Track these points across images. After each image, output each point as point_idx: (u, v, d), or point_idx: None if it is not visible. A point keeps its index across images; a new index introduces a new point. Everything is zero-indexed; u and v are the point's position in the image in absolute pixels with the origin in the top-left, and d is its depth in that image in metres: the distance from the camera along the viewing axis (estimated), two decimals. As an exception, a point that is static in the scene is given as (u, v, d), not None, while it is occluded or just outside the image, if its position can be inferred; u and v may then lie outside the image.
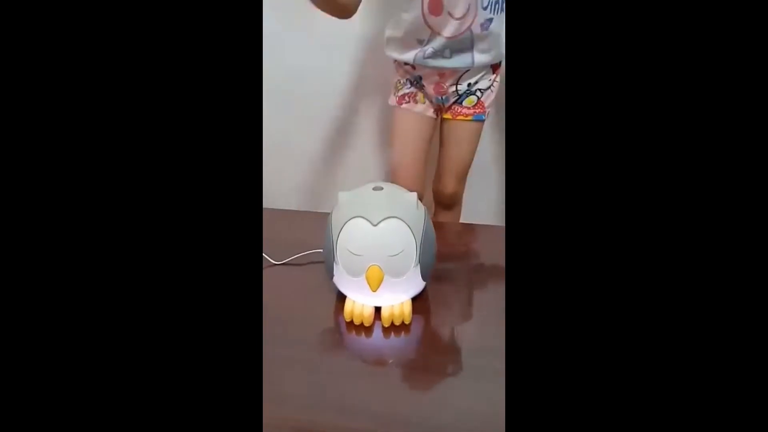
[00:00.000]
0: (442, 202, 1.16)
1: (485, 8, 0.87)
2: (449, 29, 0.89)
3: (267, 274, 0.74)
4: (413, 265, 0.60)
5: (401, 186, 1.09)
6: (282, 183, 1.53)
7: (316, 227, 0.68)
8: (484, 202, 1.42)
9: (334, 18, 0.87)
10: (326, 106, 1.41)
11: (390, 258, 0.58)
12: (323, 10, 0.84)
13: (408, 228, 0.59)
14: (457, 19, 0.87)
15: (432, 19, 0.89)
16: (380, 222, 0.58)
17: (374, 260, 0.58)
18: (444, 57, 0.92)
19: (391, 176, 1.13)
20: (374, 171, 1.49)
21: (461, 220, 1.22)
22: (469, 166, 1.11)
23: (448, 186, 1.11)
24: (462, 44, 0.90)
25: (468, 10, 0.87)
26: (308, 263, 0.75)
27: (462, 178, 1.12)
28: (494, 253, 0.83)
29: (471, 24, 0.88)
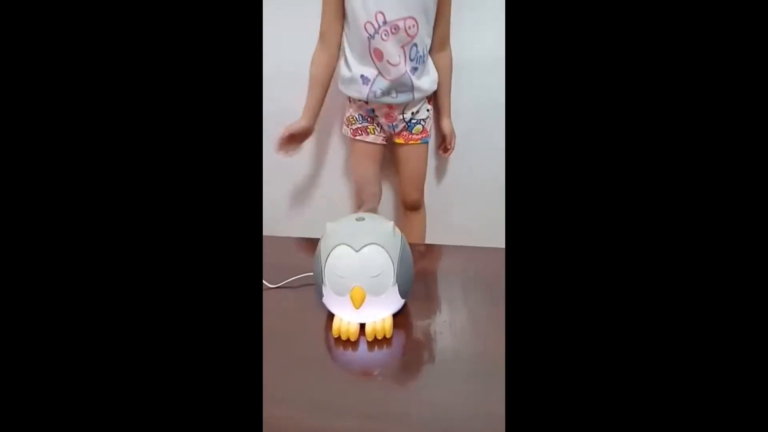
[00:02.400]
0: (409, 207, 1.44)
1: (412, 60, 1.17)
2: (391, 73, 1.17)
3: (264, 297, 0.82)
4: (391, 284, 0.69)
5: (366, 197, 1.38)
6: (275, 211, 1.63)
7: (307, 253, 0.77)
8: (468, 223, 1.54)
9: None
10: (312, 144, 1.54)
11: (371, 279, 0.67)
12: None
13: (386, 252, 0.68)
14: (394, 65, 1.15)
15: (377, 63, 1.16)
16: (362, 248, 0.67)
17: (357, 281, 0.67)
18: (391, 96, 1.21)
19: (356, 192, 1.42)
20: (354, 199, 1.61)
21: (427, 222, 1.48)
22: (424, 177, 1.40)
23: (411, 195, 1.40)
24: (404, 86, 1.19)
25: (401, 59, 1.15)
26: (300, 286, 0.84)
27: (421, 187, 1.41)
28: (469, 270, 0.92)
29: (406, 70, 1.17)
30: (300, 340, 0.72)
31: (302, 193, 1.66)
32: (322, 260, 0.69)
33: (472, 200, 1.55)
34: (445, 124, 1.35)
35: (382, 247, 0.68)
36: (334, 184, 1.63)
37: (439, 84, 1.27)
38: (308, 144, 1.54)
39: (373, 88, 1.19)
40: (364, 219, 0.72)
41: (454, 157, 1.48)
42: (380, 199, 1.44)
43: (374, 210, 1.41)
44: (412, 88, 1.21)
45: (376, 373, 0.68)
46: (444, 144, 1.40)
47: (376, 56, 1.16)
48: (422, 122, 1.30)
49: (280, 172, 1.58)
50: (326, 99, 1.45)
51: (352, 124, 1.32)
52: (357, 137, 1.32)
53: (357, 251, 0.67)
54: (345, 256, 0.67)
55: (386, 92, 1.20)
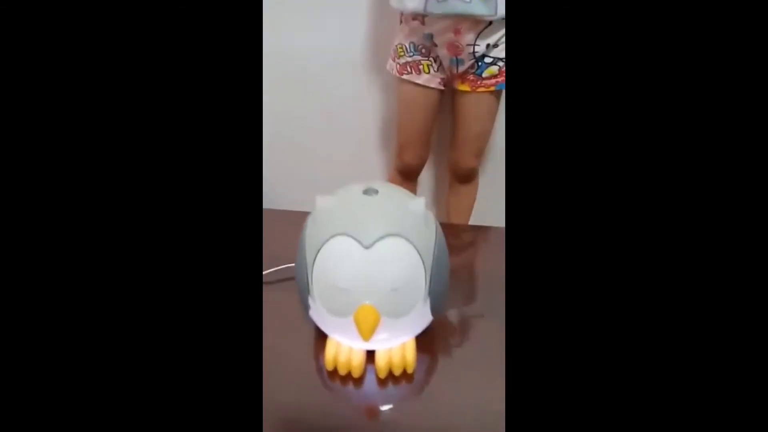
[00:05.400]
0: (461, 176, 1.07)
1: None
2: None
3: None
4: (421, 300, 0.43)
5: (407, 163, 1.01)
6: (269, 177, 1.32)
7: (294, 232, 0.51)
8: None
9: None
10: (322, 86, 1.21)
11: (389, 294, 0.41)
12: None
13: (414, 250, 0.41)
14: None
15: None
16: (375, 242, 0.40)
17: (367, 297, 0.41)
18: (463, 2, 0.77)
19: (396, 155, 1.05)
20: (371, 160, 1.29)
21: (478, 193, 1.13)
22: (488, 139, 1.01)
23: (469, 161, 1.03)
24: None
25: None
26: (280, 281, 0.59)
27: (483, 152, 1.03)
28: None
29: None
30: (275, 367, 0.48)
31: (298, 150, 1.33)
32: (309, 258, 0.43)
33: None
34: None
35: (408, 242, 0.41)
36: (348, 138, 1.25)
37: None
38: (310, 79, 1.22)
39: None
40: (377, 192, 0.45)
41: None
42: (424, 164, 1.06)
43: (412, 178, 1.06)
44: None
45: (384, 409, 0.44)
46: None
47: None
48: (500, 62, 0.87)
49: (271, 119, 1.26)
50: (340, 43, 1.11)
51: (399, 57, 0.91)
52: (404, 76, 0.91)
53: (367, 248, 0.40)
54: (347, 255, 0.41)
55: None
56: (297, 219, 0.52)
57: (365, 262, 0.41)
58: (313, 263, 0.42)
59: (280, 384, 0.47)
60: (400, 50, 0.90)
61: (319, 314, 0.45)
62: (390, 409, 0.45)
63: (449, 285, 0.48)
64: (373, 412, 0.46)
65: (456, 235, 0.74)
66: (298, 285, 0.46)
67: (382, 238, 0.41)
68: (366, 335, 0.41)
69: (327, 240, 0.41)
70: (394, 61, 0.93)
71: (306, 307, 0.47)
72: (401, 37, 0.89)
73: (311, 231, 0.44)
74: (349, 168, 1.28)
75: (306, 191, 1.17)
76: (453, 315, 0.56)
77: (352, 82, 1.19)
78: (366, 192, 0.44)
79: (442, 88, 0.93)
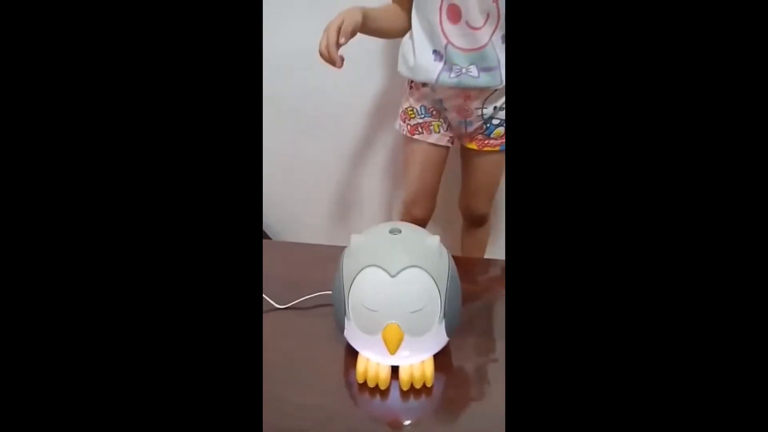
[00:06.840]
0: (472, 221, 1.13)
1: (502, 26, 0.82)
2: (464, 40, 0.82)
3: (268, 321, 0.65)
4: (437, 321, 0.51)
5: (415, 216, 1.05)
6: (288, 212, 1.43)
7: (327, 264, 0.60)
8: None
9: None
10: (339, 125, 1.31)
11: (411, 315, 0.50)
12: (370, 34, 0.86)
13: (431, 279, 0.50)
14: (474, 29, 0.81)
15: (448, 27, 0.82)
16: (399, 272, 0.50)
17: (393, 317, 0.50)
18: (471, 76, 0.84)
19: (404, 208, 1.08)
20: (390, 197, 1.39)
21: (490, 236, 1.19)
22: (497, 188, 1.06)
23: (480, 208, 1.08)
24: (488, 61, 0.83)
25: (487, 20, 0.81)
26: (315, 306, 0.67)
27: (492, 198, 1.08)
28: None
29: (491, 36, 0.81)
30: (313, 381, 0.56)
31: (322, 189, 1.42)
32: (345, 286, 0.52)
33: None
34: None
35: (426, 272, 0.50)
36: (366, 180, 1.34)
37: None
38: (336, 130, 1.29)
39: (446, 66, 0.84)
40: (400, 231, 0.54)
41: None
42: (431, 215, 1.10)
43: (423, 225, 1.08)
44: (498, 65, 0.83)
45: (406, 423, 0.51)
46: None
47: (451, 17, 0.82)
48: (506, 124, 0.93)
49: (293, 162, 1.38)
50: (353, 80, 1.19)
51: (410, 119, 0.96)
52: (416, 135, 0.97)
53: (393, 277, 0.50)
54: (377, 282, 0.50)
55: (466, 71, 0.84)
56: (332, 252, 0.62)
57: (391, 289, 0.50)
58: (350, 289, 0.51)
59: (312, 395, 0.54)
60: (410, 112, 0.95)
61: (353, 333, 0.54)
62: (411, 421, 0.53)
63: (462, 311, 0.56)
64: (397, 424, 0.53)
65: (467, 266, 0.82)
66: (335, 308, 0.55)
67: (405, 268, 0.50)
68: (392, 349, 0.49)
69: (360, 270, 0.51)
70: (404, 122, 0.97)
71: (341, 328, 0.56)
72: (412, 101, 0.95)
73: (347, 263, 0.53)
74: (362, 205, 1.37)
75: (330, 227, 1.24)
76: (467, 337, 0.63)
77: (361, 125, 1.27)
78: (391, 231, 0.54)
79: (451, 145, 0.99)
